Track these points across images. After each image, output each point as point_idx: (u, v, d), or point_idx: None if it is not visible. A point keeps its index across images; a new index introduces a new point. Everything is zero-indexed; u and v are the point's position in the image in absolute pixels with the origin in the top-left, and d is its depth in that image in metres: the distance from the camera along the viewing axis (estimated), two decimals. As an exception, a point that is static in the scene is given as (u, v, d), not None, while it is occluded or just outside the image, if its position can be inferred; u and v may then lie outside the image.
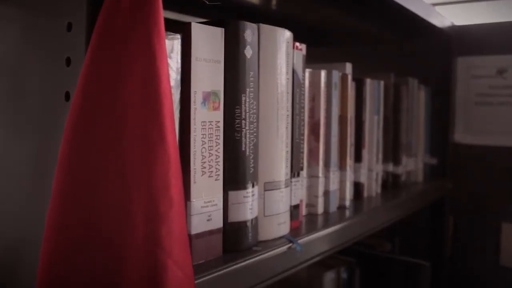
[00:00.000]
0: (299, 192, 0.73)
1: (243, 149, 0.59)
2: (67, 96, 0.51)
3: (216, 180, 0.57)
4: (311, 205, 0.81)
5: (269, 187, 0.64)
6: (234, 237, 0.59)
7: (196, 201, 0.54)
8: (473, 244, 1.34)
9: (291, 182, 0.70)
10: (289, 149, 0.68)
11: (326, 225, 0.75)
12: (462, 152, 1.34)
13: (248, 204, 0.60)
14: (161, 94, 0.40)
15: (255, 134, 0.61)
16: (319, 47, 1.38)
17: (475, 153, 1.33)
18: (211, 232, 0.57)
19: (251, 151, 0.60)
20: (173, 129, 0.42)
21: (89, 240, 0.41)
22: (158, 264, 0.39)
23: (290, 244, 0.64)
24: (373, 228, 0.88)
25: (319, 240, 0.71)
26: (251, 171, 0.61)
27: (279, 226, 0.66)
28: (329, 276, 0.99)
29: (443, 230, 1.31)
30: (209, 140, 0.56)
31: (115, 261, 0.40)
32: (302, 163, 0.77)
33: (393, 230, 1.30)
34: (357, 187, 0.95)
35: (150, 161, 0.40)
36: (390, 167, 1.08)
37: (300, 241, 0.66)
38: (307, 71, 0.80)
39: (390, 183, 1.08)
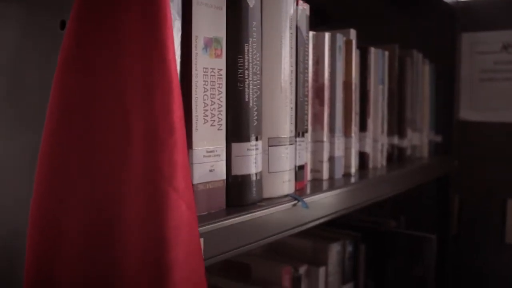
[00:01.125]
0: (303, 153, 0.71)
1: (246, 99, 0.58)
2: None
3: (218, 130, 0.55)
4: (316, 170, 0.79)
5: (273, 142, 0.63)
6: (238, 191, 0.57)
7: (198, 150, 0.53)
8: (478, 222, 1.32)
9: (295, 141, 0.68)
10: (293, 105, 0.66)
11: (331, 187, 0.73)
12: (467, 129, 1.32)
13: (252, 157, 0.58)
14: (162, 13, 0.38)
15: (258, 86, 0.59)
16: (324, 24, 1.36)
17: (480, 130, 1.31)
18: (214, 184, 0.55)
19: (254, 103, 0.59)
20: (174, 52, 0.40)
21: (88, 173, 0.39)
22: (159, 193, 0.37)
23: (295, 202, 0.63)
24: (379, 196, 0.86)
25: (324, 201, 0.69)
26: (254, 124, 0.59)
27: (284, 184, 0.64)
28: (334, 248, 0.97)
29: (449, 208, 1.29)
30: (211, 88, 0.54)
31: (115, 194, 0.38)
32: (307, 125, 0.75)
33: (398, 208, 1.28)
34: (362, 157, 0.94)
35: (151, 82, 0.38)
36: (395, 140, 1.06)
37: (305, 200, 0.64)
38: (311, 33, 0.78)
39: (396, 156, 1.06)
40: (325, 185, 0.76)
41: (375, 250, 1.11)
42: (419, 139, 1.17)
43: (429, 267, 1.10)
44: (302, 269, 0.92)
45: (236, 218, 0.53)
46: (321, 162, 0.79)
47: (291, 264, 0.89)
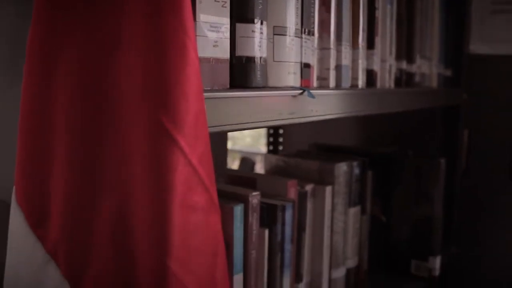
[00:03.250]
0: (309, 52, 0.70)
1: (251, -21, 0.57)
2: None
3: (223, 7, 0.54)
4: (323, 78, 0.78)
5: (278, 31, 0.62)
6: (242, 71, 0.57)
7: (202, 22, 0.52)
8: (487, 159, 1.31)
9: (301, 37, 0.67)
10: (299, 2, 0.65)
11: (338, 87, 0.72)
12: (478, 63, 1.30)
13: (256, 40, 0.58)
14: None
15: (263, -32, 0.58)
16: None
17: (490, 63, 1.29)
18: (217, 60, 0.54)
19: (259, -15, 0.57)
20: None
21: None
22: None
23: (301, 91, 0.62)
24: (386, 108, 0.85)
25: (331, 98, 0.69)
26: (259, 7, 0.58)
27: (289, 75, 0.64)
28: (341, 168, 0.96)
29: (458, 143, 1.28)
30: (215, -38, 0.53)
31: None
32: (313, 27, 0.74)
33: (406, 142, 1.28)
34: (370, 75, 0.92)
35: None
36: (404, 65, 1.05)
37: (312, 93, 0.64)
38: None
39: (404, 81, 1.05)
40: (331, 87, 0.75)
41: (383, 178, 1.10)
42: (428, 68, 1.15)
43: (437, 202, 1.09)
44: (309, 187, 0.92)
45: (239, 93, 0.53)
46: (328, 69, 0.78)
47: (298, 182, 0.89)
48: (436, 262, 1.08)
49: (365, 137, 1.36)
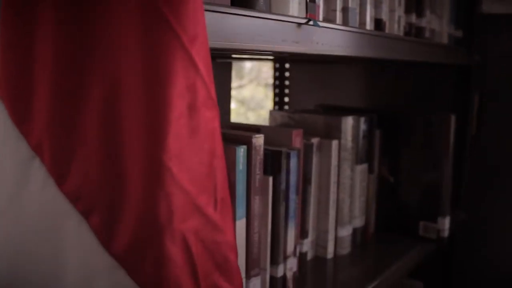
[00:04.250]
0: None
1: None
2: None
3: None
4: (329, 20, 0.75)
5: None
6: (244, -8, 0.54)
7: None
8: (498, 124, 1.28)
9: (307, -32, 0.64)
10: None
11: (345, 24, 0.69)
12: (490, 23, 1.26)
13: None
14: None
15: None
16: None
17: (504, 24, 1.25)
18: (218, -23, 0.51)
19: None
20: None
21: None
22: None
23: (306, 20, 0.59)
24: (394, 54, 0.82)
25: (337, 34, 0.66)
26: None
27: (294, 5, 0.61)
28: (348, 122, 0.93)
29: (468, 106, 1.25)
30: None
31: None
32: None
33: (415, 105, 1.24)
34: (379, 24, 0.89)
35: None
36: (413, 19, 1.01)
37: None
38: None
39: (413, 34, 1.01)
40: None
41: (391, 137, 1.07)
42: (439, 25, 1.12)
43: (447, 162, 1.06)
44: (315, 140, 0.89)
45: (242, 10, 0.50)
46: (334, 11, 0.75)
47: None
48: (445, 223, 1.05)
49: (373, 100, 1.32)
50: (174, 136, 0.36)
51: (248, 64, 2.48)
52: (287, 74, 1.46)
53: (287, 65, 1.46)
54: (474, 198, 1.26)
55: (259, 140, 0.70)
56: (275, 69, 1.47)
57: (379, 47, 0.77)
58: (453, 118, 1.04)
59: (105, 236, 0.37)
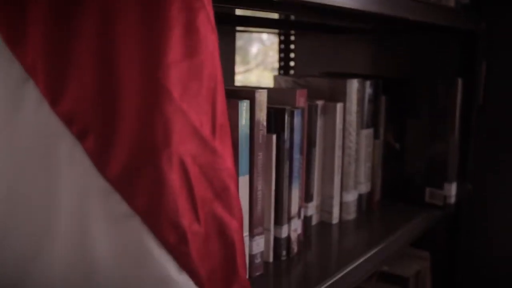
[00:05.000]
0: None
1: None
2: None
3: None
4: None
5: None
6: None
7: None
8: (505, 94, 1.26)
9: None
10: None
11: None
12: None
13: None
14: None
15: None
16: None
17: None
18: None
19: None
20: None
21: None
22: None
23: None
24: (399, 11, 0.80)
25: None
26: None
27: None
28: (353, 85, 0.92)
29: (475, 75, 1.23)
30: None
31: None
32: None
33: (421, 74, 1.23)
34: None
35: None
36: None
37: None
38: None
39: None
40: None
41: (397, 104, 1.06)
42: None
43: (453, 127, 1.04)
44: (319, 102, 0.88)
45: None
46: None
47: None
48: (452, 189, 1.04)
49: (379, 70, 1.30)
50: (173, 56, 0.35)
51: (254, 49, 2.46)
52: (292, 46, 1.45)
53: (292, 38, 1.45)
54: (480, 170, 1.24)
55: (262, 94, 0.69)
56: (280, 41, 1.46)
57: (386, 3, 0.76)
58: (460, 82, 1.02)
59: (100, 159, 0.36)
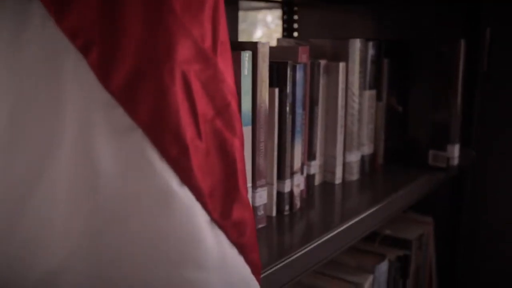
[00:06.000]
0: None
1: None
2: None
3: None
4: None
5: None
6: None
7: None
8: (510, 61, 1.25)
9: None
10: None
11: None
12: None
13: None
14: None
15: None
16: None
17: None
18: None
19: None
20: None
21: None
22: None
23: None
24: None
25: None
26: None
27: None
28: (355, 44, 0.92)
29: (479, 39, 1.22)
30: None
31: None
32: None
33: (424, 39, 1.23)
34: None
35: None
36: None
37: None
38: None
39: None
40: None
41: (400, 68, 1.06)
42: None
43: (456, 89, 1.04)
44: (322, 61, 0.88)
45: None
46: None
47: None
48: (455, 151, 1.04)
49: (381, 32, 1.30)
50: None
51: (258, 33, 2.46)
52: (295, 16, 1.45)
53: (295, 15, 1.45)
54: (484, 137, 1.24)
55: (265, 46, 0.70)
56: (283, 12, 1.46)
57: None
58: (462, 43, 1.02)
59: (103, 72, 0.36)
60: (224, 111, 0.41)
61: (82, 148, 0.36)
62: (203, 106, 0.39)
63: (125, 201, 0.36)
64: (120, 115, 0.36)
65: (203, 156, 0.39)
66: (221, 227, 0.40)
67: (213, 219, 0.39)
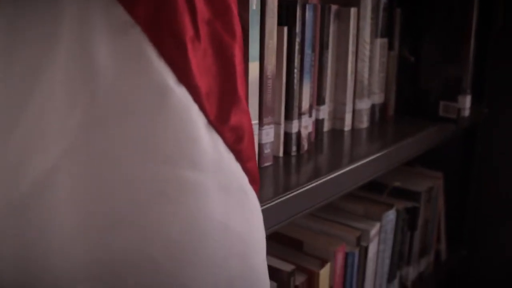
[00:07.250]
0: None
1: None
2: None
3: None
4: None
5: None
6: None
7: None
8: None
9: None
10: None
11: None
12: None
13: None
14: None
15: None
16: None
17: None
18: None
19: None
20: None
21: None
22: None
23: None
24: None
25: None
26: None
27: None
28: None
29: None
30: None
31: None
32: None
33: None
34: None
35: None
36: None
37: None
38: None
39: None
40: None
41: (413, 18, 1.05)
42: None
43: (469, 42, 1.03)
44: (333, 7, 0.88)
45: None
46: None
47: None
48: (466, 102, 1.04)
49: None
50: None
51: None
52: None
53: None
54: (497, 93, 1.23)
55: (273, -18, 0.70)
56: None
57: None
58: None
59: None
60: (224, 14, 0.41)
61: (80, 45, 0.37)
62: (203, 6, 0.39)
63: (122, 95, 0.36)
64: (119, 12, 0.37)
65: (201, 56, 0.39)
66: (218, 131, 0.40)
67: (210, 122, 0.40)
